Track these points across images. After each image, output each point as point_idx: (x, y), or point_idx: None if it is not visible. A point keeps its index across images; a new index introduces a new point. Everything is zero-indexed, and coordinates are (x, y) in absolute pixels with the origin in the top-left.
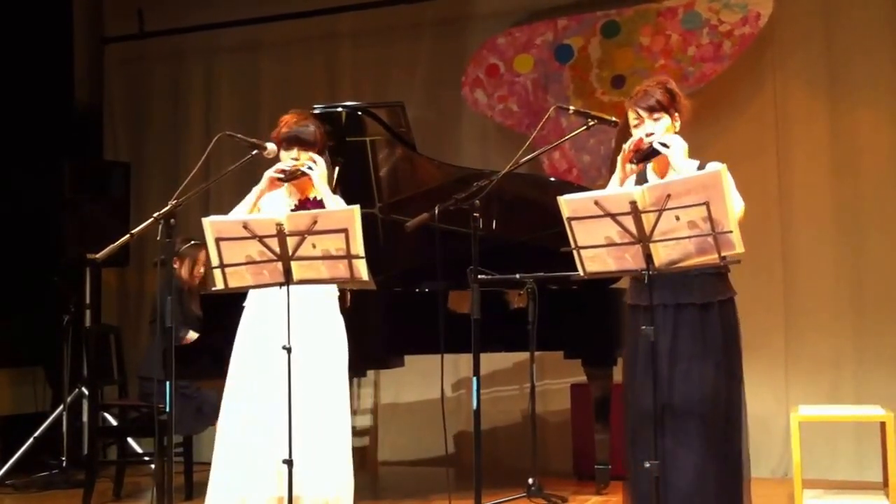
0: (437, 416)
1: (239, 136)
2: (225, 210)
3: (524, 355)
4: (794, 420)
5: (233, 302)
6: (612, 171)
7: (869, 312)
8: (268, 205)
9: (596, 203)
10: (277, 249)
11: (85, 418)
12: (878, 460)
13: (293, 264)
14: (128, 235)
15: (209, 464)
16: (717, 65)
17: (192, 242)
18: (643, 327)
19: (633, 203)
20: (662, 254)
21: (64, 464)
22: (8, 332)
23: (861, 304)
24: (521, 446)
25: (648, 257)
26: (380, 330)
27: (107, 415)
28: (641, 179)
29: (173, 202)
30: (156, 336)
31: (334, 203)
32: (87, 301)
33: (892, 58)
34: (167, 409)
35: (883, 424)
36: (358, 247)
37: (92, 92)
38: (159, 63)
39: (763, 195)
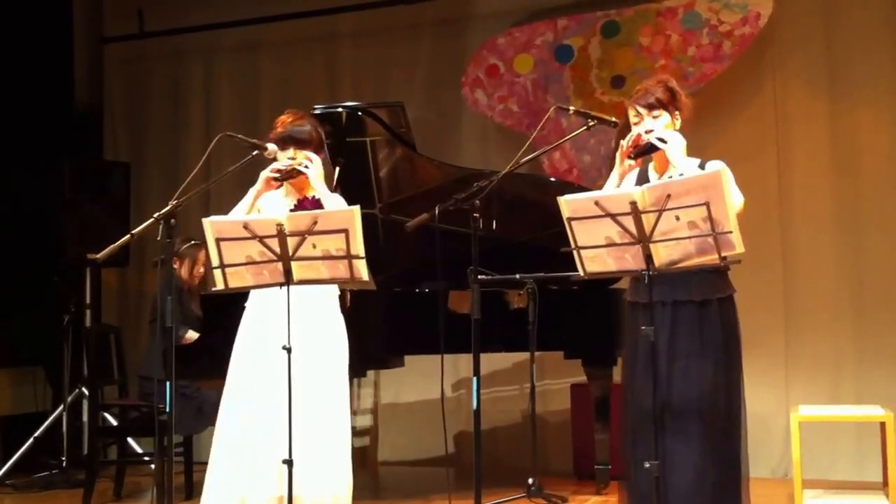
0: (437, 416)
1: (239, 136)
2: (225, 210)
3: (524, 355)
4: (794, 420)
5: (233, 302)
6: (612, 170)
7: (869, 312)
8: (267, 205)
9: (596, 203)
10: (278, 250)
11: (85, 418)
12: (878, 460)
13: (293, 264)
14: (128, 235)
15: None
16: (717, 65)
17: (192, 242)
18: (643, 328)
19: (634, 203)
20: (663, 254)
21: (64, 464)
22: (8, 332)
23: (861, 304)
24: (521, 446)
25: (648, 257)
26: (380, 330)
27: (107, 415)
28: (642, 179)
29: (173, 202)
30: (156, 336)
31: (331, 201)
32: (88, 301)
33: (892, 58)
34: (167, 409)
35: (883, 424)
36: (358, 247)
37: (92, 92)
38: (159, 63)
39: (763, 195)
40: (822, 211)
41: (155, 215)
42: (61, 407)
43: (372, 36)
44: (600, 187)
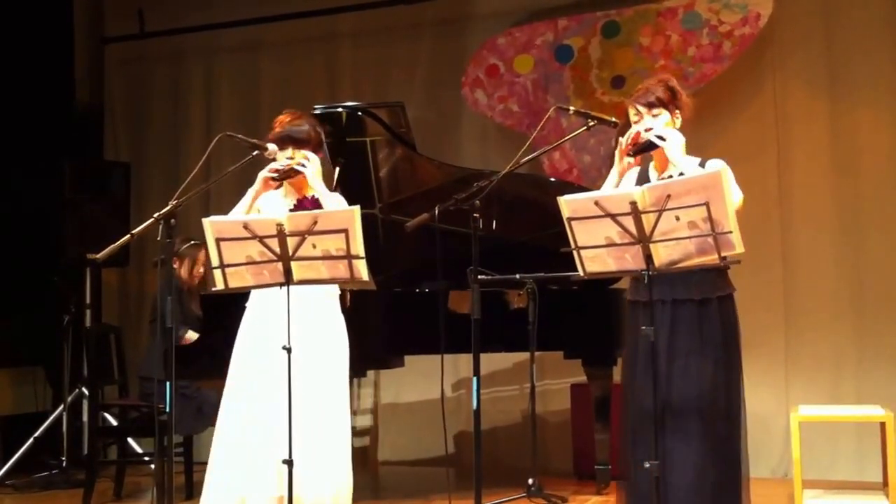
0: (437, 416)
1: (240, 136)
2: (225, 210)
3: (524, 355)
4: (794, 420)
5: (233, 302)
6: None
7: (869, 312)
8: (266, 205)
9: (596, 203)
10: (278, 250)
11: (85, 418)
12: (878, 460)
13: (293, 264)
14: (128, 235)
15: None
16: (717, 65)
17: (192, 242)
18: (643, 328)
19: (633, 203)
20: (663, 254)
21: (64, 464)
22: (8, 332)
23: (861, 304)
24: (521, 446)
25: (648, 257)
26: (380, 330)
27: (107, 415)
28: (643, 179)
29: (174, 202)
30: (156, 336)
31: (330, 200)
32: (88, 301)
33: (892, 58)
34: (167, 410)
35: (883, 424)
36: (358, 247)
37: (92, 92)
38: (159, 63)
39: (763, 195)
40: (822, 211)
41: (155, 215)
42: (61, 407)
43: (372, 36)
44: (600, 187)
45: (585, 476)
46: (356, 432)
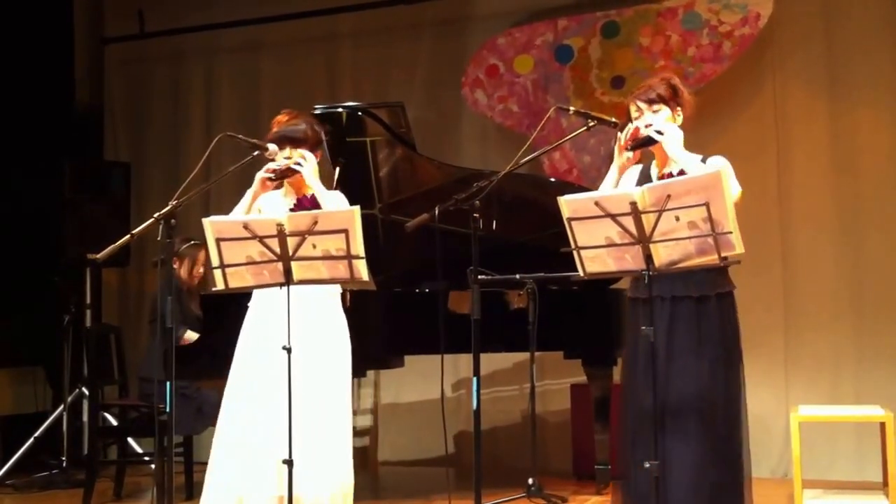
0: (437, 416)
1: (240, 136)
2: (225, 210)
3: (524, 355)
4: (794, 420)
5: (233, 302)
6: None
7: (869, 312)
8: (267, 205)
9: (596, 204)
10: (278, 250)
11: (85, 418)
12: (877, 460)
13: (293, 264)
14: (128, 236)
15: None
16: (717, 65)
17: (192, 242)
18: (643, 328)
19: (633, 203)
20: (662, 254)
21: (64, 464)
22: (8, 332)
23: (861, 304)
24: (521, 446)
25: (648, 258)
26: (380, 330)
27: (107, 415)
28: (644, 179)
29: (174, 202)
30: (155, 336)
31: (328, 199)
32: (88, 301)
33: (892, 58)
34: (167, 410)
35: (883, 424)
36: (358, 247)
37: (92, 92)
38: (160, 63)
39: (763, 195)
40: (821, 211)
41: (155, 215)
42: (61, 407)
43: (372, 36)
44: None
45: (585, 476)
46: (356, 432)
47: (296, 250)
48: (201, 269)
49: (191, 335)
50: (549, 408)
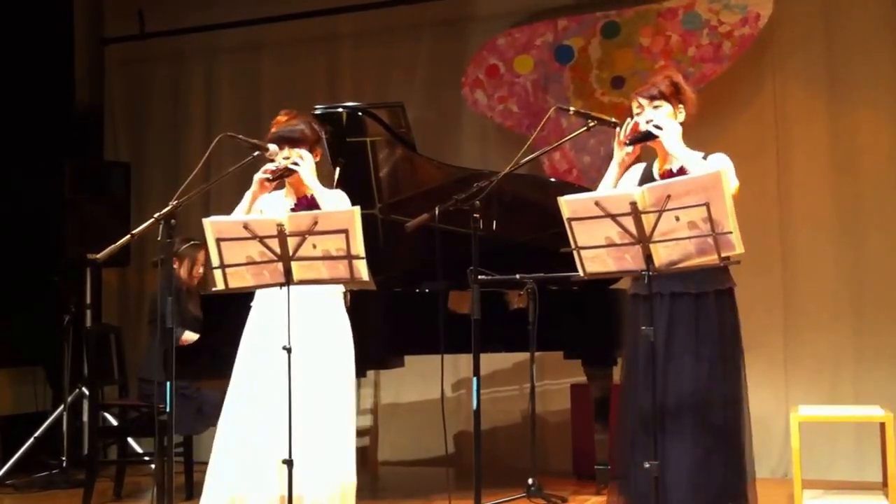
0: (437, 416)
1: (240, 136)
2: (225, 211)
3: (524, 355)
4: (794, 420)
5: (233, 302)
6: None
7: (869, 312)
8: (268, 205)
9: (596, 204)
10: (278, 250)
11: (85, 418)
12: (877, 460)
13: (293, 265)
14: (128, 236)
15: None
16: (717, 65)
17: (192, 242)
18: (642, 328)
19: (633, 204)
20: (662, 254)
21: (64, 464)
22: (8, 332)
23: (861, 304)
24: (521, 446)
25: (648, 258)
26: (380, 330)
27: (107, 415)
28: (646, 178)
29: (174, 203)
30: (154, 337)
31: (327, 198)
32: (88, 301)
33: (892, 58)
34: (167, 410)
35: (882, 424)
36: (358, 247)
37: (92, 92)
38: (160, 64)
39: (763, 195)
40: (821, 211)
41: (155, 215)
42: (61, 407)
43: (373, 36)
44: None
45: (585, 476)
46: (356, 432)
47: (296, 250)
48: (201, 270)
49: (189, 336)
50: (549, 408)
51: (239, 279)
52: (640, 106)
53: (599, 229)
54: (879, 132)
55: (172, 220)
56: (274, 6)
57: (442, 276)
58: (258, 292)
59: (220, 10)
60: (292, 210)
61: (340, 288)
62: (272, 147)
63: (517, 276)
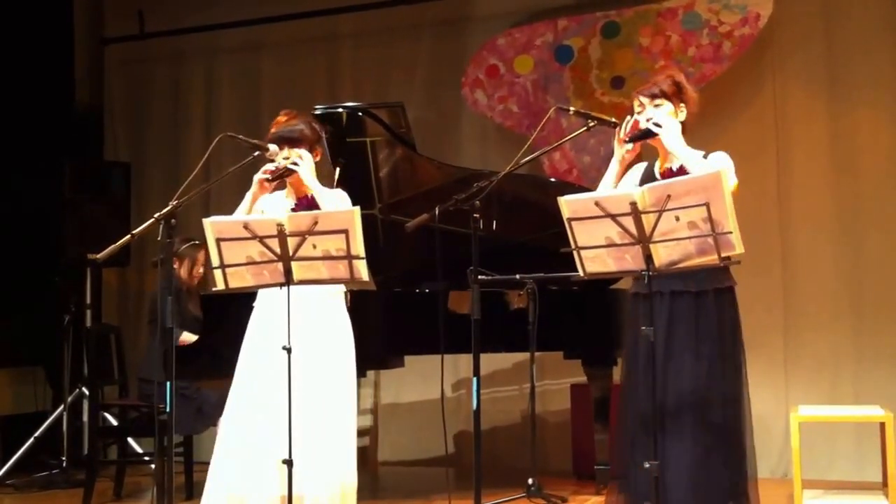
0: (437, 416)
1: (240, 137)
2: (225, 211)
3: (524, 355)
4: (794, 420)
5: (233, 302)
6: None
7: (869, 312)
8: (270, 206)
9: (596, 204)
10: (278, 250)
11: (85, 418)
12: (877, 460)
13: (293, 265)
14: (128, 236)
15: (209, 464)
16: (717, 65)
17: (192, 242)
18: (642, 328)
19: (633, 204)
20: (662, 254)
21: (64, 463)
22: (8, 332)
23: (861, 304)
24: (520, 446)
25: (648, 258)
26: (380, 330)
27: (107, 415)
28: (648, 178)
29: (174, 203)
30: (153, 337)
31: (326, 197)
32: (88, 301)
33: (892, 58)
34: (167, 410)
35: (882, 424)
36: (358, 247)
37: (92, 92)
38: (160, 64)
39: (763, 195)
40: (821, 211)
41: (155, 215)
42: (61, 407)
43: (373, 36)
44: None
45: (585, 476)
46: (356, 432)
47: (296, 250)
48: (201, 270)
49: (187, 337)
50: (549, 408)
51: (239, 279)
52: (642, 104)
53: (599, 229)
54: (879, 132)
55: (172, 220)
56: (274, 6)
57: (442, 276)
58: (261, 292)
59: (220, 10)
60: (293, 210)
61: (342, 287)
62: (272, 147)
63: (517, 276)
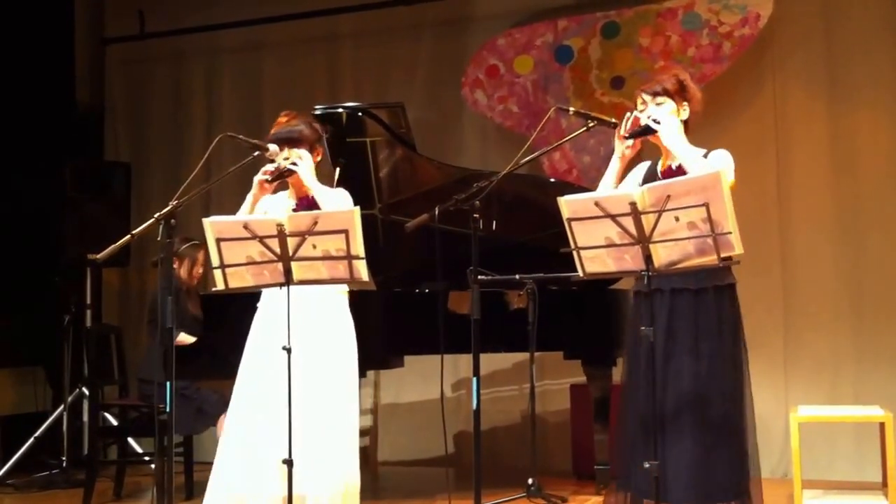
0: (437, 416)
1: (240, 136)
2: (225, 211)
3: (524, 355)
4: (794, 420)
5: (234, 302)
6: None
7: (868, 312)
8: (271, 207)
9: (596, 204)
10: (278, 250)
11: (85, 418)
12: (877, 460)
13: (293, 265)
14: (128, 236)
15: (209, 463)
16: (717, 66)
17: (192, 242)
18: (642, 328)
19: (633, 204)
20: (662, 254)
21: (64, 463)
22: (8, 332)
23: (861, 304)
24: (520, 446)
25: (648, 258)
26: (380, 330)
27: (107, 415)
28: (651, 175)
29: (174, 203)
30: (153, 337)
31: (326, 197)
32: (88, 301)
33: (892, 58)
34: (167, 410)
35: (882, 425)
36: (358, 247)
37: (93, 92)
38: (160, 64)
39: (763, 195)
40: (821, 211)
41: (155, 215)
42: (62, 407)
43: (373, 36)
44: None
45: (585, 476)
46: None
47: (296, 250)
48: (201, 270)
49: (185, 338)
50: (548, 408)
51: (239, 279)
52: (644, 101)
53: (599, 229)
54: (879, 132)
55: (172, 220)
56: (274, 6)
57: (442, 276)
58: (264, 293)
59: (221, 10)
60: (294, 210)
61: (345, 287)
62: (272, 147)
63: (517, 277)
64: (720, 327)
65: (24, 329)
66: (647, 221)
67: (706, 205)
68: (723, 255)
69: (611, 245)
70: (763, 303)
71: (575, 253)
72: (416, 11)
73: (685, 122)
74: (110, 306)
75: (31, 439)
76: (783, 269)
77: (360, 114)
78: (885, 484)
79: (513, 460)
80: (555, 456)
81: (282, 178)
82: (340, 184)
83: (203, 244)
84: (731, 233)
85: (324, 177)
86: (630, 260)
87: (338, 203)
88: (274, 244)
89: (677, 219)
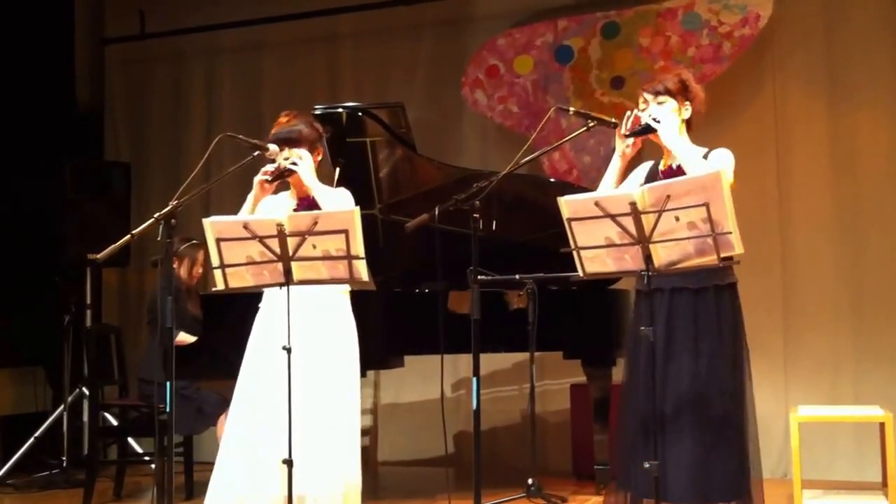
0: (437, 416)
1: (240, 136)
2: (226, 211)
3: (524, 355)
4: (794, 420)
5: (234, 303)
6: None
7: (868, 312)
8: (272, 207)
9: (596, 204)
10: (278, 250)
11: (85, 418)
12: (877, 460)
13: (293, 265)
14: (128, 236)
15: (209, 463)
16: (717, 66)
17: (192, 242)
18: (642, 328)
19: (633, 204)
20: (662, 254)
21: (64, 463)
22: (8, 332)
23: (861, 304)
24: (520, 446)
25: (648, 258)
26: (380, 330)
27: (107, 415)
28: (654, 175)
29: (174, 203)
30: (152, 337)
31: (326, 196)
32: (88, 301)
33: (892, 58)
34: (167, 410)
35: (882, 425)
36: (358, 247)
37: (93, 92)
38: (160, 64)
39: (763, 195)
40: (821, 211)
41: (155, 215)
42: (62, 407)
43: (373, 36)
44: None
45: (585, 476)
46: None
47: (296, 250)
48: (200, 269)
49: (184, 337)
50: (548, 408)
51: (239, 279)
52: (646, 100)
53: (599, 229)
54: (879, 132)
55: (172, 220)
56: (274, 6)
57: (442, 276)
58: (266, 293)
59: (221, 10)
60: (294, 210)
61: (346, 287)
62: (272, 147)
63: (517, 276)
64: (720, 327)
65: (24, 329)
66: (647, 221)
67: (706, 205)
68: (723, 255)
69: (611, 245)
70: (763, 303)
71: (575, 253)
72: (416, 11)
73: (687, 122)
74: (110, 306)
75: (31, 439)
76: (783, 269)
77: (360, 114)
78: (885, 484)
79: (513, 460)
80: (555, 456)
81: (282, 178)
82: (340, 184)
83: (203, 244)
84: (731, 233)
85: (324, 177)
86: (630, 260)
87: (339, 203)
88: (274, 244)
89: (677, 219)
